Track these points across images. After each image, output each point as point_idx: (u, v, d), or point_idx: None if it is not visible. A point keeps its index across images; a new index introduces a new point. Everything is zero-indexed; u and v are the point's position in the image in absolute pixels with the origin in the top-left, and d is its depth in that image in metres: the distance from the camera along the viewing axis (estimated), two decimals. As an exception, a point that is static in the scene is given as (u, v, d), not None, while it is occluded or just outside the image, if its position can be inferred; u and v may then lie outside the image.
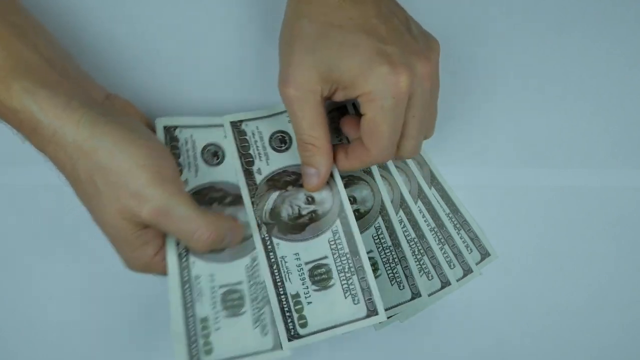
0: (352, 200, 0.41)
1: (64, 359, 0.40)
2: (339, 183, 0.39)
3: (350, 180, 0.42)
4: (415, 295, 0.41)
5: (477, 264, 0.43)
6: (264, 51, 0.43)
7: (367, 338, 0.42)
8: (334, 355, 0.42)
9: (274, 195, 0.39)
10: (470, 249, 0.43)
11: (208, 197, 0.37)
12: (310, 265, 0.37)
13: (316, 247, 0.37)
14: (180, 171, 0.37)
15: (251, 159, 0.39)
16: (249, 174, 0.39)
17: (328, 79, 0.34)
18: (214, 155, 0.38)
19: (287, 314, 0.36)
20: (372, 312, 0.36)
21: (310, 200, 0.39)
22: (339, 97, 0.35)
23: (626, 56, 0.47)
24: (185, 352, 0.33)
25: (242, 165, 0.39)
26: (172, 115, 0.40)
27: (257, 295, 0.36)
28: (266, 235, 0.37)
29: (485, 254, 0.43)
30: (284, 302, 0.36)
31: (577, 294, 0.44)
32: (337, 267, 0.37)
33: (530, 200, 0.44)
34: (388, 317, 0.40)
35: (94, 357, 0.40)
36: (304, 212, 0.38)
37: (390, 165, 0.43)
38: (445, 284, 0.42)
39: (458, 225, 0.44)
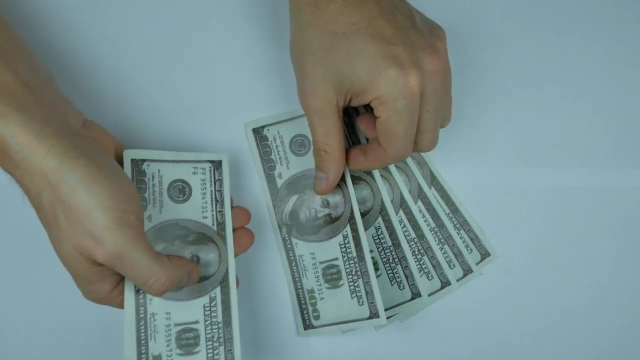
0: (352, 200, 0.42)
1: (63, 359, 0.40)
2: (351, 190, 0.40)
3: (350, 181, 0.42)
4: (415, 295, 0.41)
5: (477, 264, 0.43)
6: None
7: (367, 338, 0.42)
8: (334, 355, 0.42)
9: (294, 198, 0.41)
10: (470, 249, 0.43)
11: (171, 234, 0.37)
12: (324, 265, 0.40)
13: (329, 249, 0.40)
14: (145, 206, 0.36)
15: (273, 164, 0.42)
16: (271, 178, 0.41)
17: (341, 90, 0.34)
18: (180, 192, 0.38)
19: (304, 306, 0.40)
20: (374, 314, 0.38)
21: (325, 204, 0.41)
22: (354, 103, 0.35)
23: (626, 56, 0.47)
24: None
25: (265, 170, 0.42)
26: (144, 146, 0.39)
27: (214, 335, 0.35)
28: (286, 235, 0.41)
29: (485, 254, 0.43)
30: (301, 296, 0.40)
31: (577, 294, 0.44)
32: (345, 269, 0.39)
33: (530, 200, 0.44)
34: (388, 317, 0.40)
35: (92, 356, 0.40)
36: (319, 215, 0.41)
37: (391, 165, 0.43)
38: (445, 284, 0.42)
39: (458, 225, 0.44)
